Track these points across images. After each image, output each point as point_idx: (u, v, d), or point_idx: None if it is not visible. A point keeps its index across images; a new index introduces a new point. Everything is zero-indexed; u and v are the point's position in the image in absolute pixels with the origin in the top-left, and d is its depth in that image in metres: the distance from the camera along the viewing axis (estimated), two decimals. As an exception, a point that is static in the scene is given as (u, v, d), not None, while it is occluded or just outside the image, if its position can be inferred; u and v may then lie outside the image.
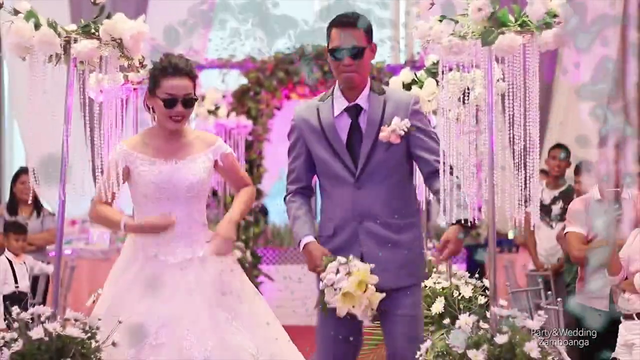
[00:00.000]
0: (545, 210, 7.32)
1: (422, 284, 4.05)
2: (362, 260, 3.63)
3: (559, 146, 7.69)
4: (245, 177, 4.16)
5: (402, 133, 3.66)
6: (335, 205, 3.73)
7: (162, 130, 3.97)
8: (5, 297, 6.05)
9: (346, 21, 3.66)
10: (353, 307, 3.49)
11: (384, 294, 3.54)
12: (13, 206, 7.42)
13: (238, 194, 4.12)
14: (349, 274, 3.51)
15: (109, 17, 3.91)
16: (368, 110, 3.70)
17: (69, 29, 3.92)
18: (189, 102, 3.90)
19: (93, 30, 3.89)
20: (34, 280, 6.52)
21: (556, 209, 7.39)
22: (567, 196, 7.25)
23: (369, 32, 3.71)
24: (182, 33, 10.36)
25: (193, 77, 3.94)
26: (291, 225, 3.78)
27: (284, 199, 3.84)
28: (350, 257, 3.57)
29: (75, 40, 3.88)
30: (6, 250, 6.51)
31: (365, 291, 3.50)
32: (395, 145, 3.67)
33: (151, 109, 4.01)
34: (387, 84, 5.47)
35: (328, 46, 3.71)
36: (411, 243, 3.74)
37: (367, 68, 3.73)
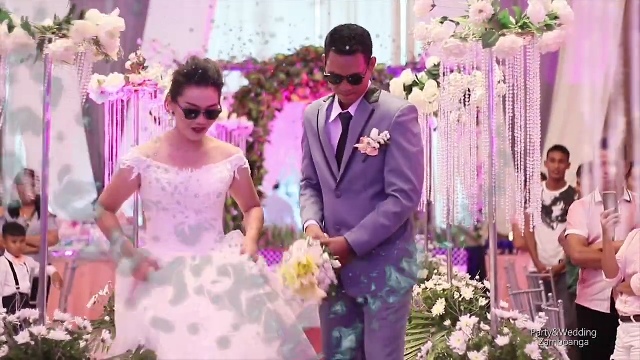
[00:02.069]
0: (546, 211, 7.31)
1: (413, 290, 3.93)
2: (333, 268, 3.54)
3: (557, 148, 7.67)
4: (256, 197, 3.95)
5: (377, 146, 3.56)
6: (323, 209, 3.74)
7: (180, 137, 3.73)
8: (5, 299, 6.05)
9: (345, 49, 3.53)
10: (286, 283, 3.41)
11: (323, 294, 3.41)
12: (14, 208, 7.42)
13: (250, 212, 3.88)
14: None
15: (82, 15, 3.88)
16: (353, 119, 3.64)
17: (44, 26, 3.89)
18: (212, 113, 3.66)
19: (66, 30, 3.87)
20: (35, 281, 6.52)
21: (557, 210, 7.37)
22: (567, 197, 7.23)
23: (368, 52, 3.58)
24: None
25: (219, 86, 3.68)
26: (300, 216, 3.76)
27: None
28: (319, 243, 3.47)
29: (50, 41, 3.86)
30: (6, 252, 6.51)
31: (302, 275, 3.38)
32: (373, 157, 3.58)
33: (171, 113, 3.79)
34: (387, 85, 5.45)
35: (325, 65, 3.62)
36: (388, 255, 3.59)
37: (366, 84, 3.64)
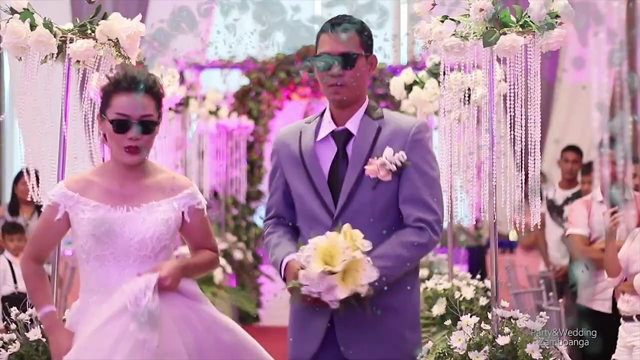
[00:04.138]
0: (557, 211, 7.30)
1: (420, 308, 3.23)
2: (331, 325, 2.94)
3: (571, 148, 7.66)
4: (213, 243, 3.19)
5: (394, 168, 2.93)
6: None
7: (118, 168, 3.06)
8: (4, 298, 6.05)
9: (336, 23, 3.00)
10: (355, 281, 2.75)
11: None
12: (14, 207, 7.41)
13: (198, 251, 3.17)
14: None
15: (105, 17, 3.90)
16: (357, 136, 2.99)
17: (65, 28, 3.91)
18: (147, 125, 2.99)
19: (89, 31, 3.88)
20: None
21: (568, 210, 7.35)
22: (579, 197, 7.22)
23: (365, 38, 3.02)
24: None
25: (156, 95, 3.03)
26: (271, 256, 3.04)
27: (263, 237, 3.17)
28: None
29: (72, 40, 3.87)
30: (5, 251, 6.51)
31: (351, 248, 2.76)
32: (385, 183, 2.94)
33: (103, 136, 3.10)
34: (387, 85, 5.44)
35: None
36: (402, 307, 2.99)
37: (363, 82, 3.01)
